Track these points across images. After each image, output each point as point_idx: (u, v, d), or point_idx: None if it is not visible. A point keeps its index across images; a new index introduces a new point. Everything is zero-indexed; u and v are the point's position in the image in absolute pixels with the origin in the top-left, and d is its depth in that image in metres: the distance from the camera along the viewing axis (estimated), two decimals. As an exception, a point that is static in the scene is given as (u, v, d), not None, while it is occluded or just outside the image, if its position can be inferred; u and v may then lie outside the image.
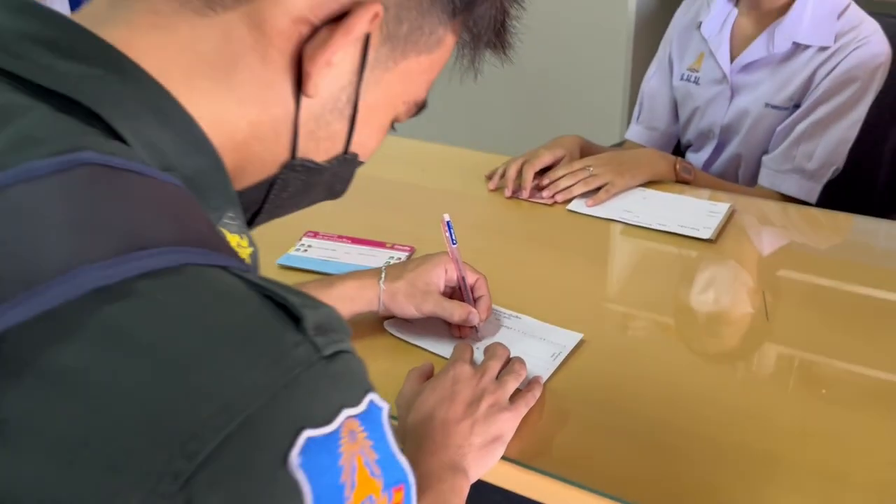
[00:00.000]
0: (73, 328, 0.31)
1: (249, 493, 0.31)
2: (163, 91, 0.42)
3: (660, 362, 0.86)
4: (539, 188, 1.21)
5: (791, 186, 1.26)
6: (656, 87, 1.48)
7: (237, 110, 0.44)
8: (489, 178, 1.26)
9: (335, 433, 0.33)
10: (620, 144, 1.61)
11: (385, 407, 0.37)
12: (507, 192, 1.22)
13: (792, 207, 1.23)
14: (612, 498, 0.68)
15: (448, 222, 0.85)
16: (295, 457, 0.32)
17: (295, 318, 0.34)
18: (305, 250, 1.07)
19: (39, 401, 0.30)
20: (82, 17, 0.43)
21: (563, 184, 1.20)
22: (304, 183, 0.51)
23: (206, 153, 0.44)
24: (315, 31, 0.43)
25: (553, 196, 1.20)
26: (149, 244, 0.34)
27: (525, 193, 1.21)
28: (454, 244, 0.85)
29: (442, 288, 0.87)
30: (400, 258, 1.05)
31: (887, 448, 0.72)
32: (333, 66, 0.44)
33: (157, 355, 0.31)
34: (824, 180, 1.26)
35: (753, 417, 0.76)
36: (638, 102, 1.52)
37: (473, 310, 0.85)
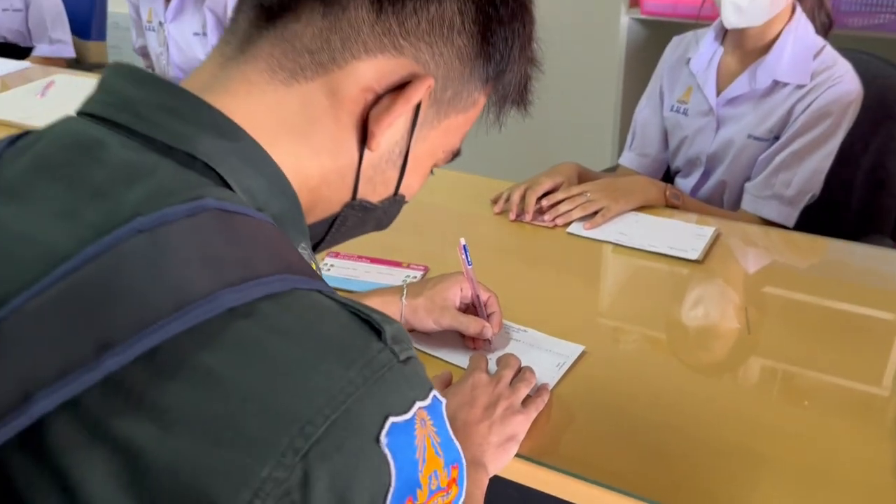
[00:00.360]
0: (214, 339, 0.41)
1: (350, 464, 0.40)
2: (257, 146, 0.52)
3: (654, 371, 0.96)
4: (540, 212, 1.31)
5: (771, 211, 1.37)
6: (648, 116, 1.58)
7: (312, 161, 0.55)
8: (495, 201, 1.36)
9: (411, 420, 0.43)
10: (614, 169, 1.72)
11: (444, 401, 0.47)
12: (512, 216, 1.32)
13: (773, 231, 1.34)
14: (612, 489, 0.77)
15: (464, 246, 0.95)
16: (383, 437, 0.41)
17: (377, 331, 0.44)
18: (329, 269, 1.17)
19: (192, 394, 0.40)
20: (191, 85, 0.53)
21: (562, 208, 1.30)
22: (360, 219, 0.61)
23: (289, 196, 0.54)
24: (378, 98, 0.54)
25: (553, 219, 1.30)
26: (264, 273, 0.44)
27: (528, 217, 1.31)
28: (469, 265, 0.95)
29: (458, 304, 0.97)
30: (415, 276, 1.15)
31: (862, 449, 0.82)
32: (392, 127, 0.54)
33: (279, 360, 0.41)
34: (801, 206, 1.37)
35: (740, 420, 0.86)
36: (631, 131, 1.63)
37: (487, 324, 0.95)
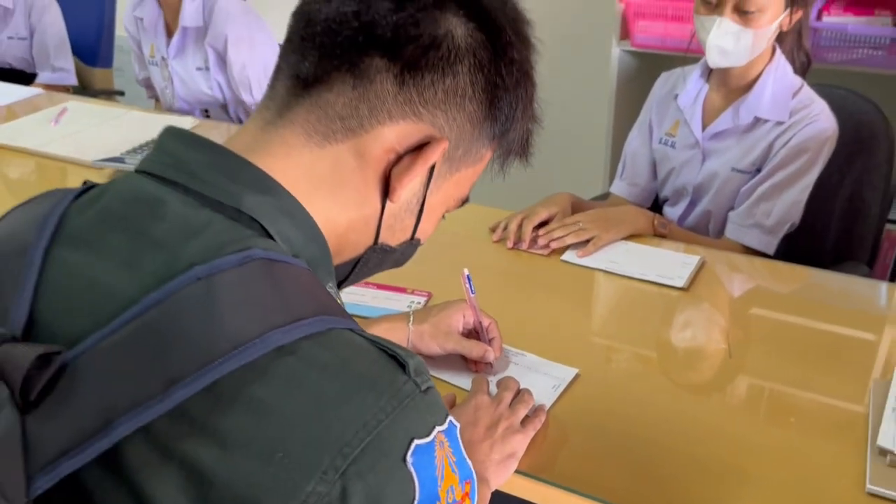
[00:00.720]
0: (265, 373, 0.48)
1: (382, 481, 0.48)
2: (294, 201, 0.59)
3: (644, 392, 1.04)
4: (536, 240, 1.39)
5: (752, 239, 1.46)
6: (638, 148, 1.67)
7: (341, 212, 0.62)
8: (493, 230, 1.44)
9: (432, 442, 0.51)
10: (605, 196, 1.80)
11: (458, 425, 0.54)
12: (509, 244, 1.39)
13: (756, 260, 1.42)
14: (605, 503, 0.85)
15: (468, 276, 1.02)
16: (409, 457, 0.49)
17: (401, 365, 0.52)
18: (337, 295, 1.24)
19: (247, 421, 0.47)
20: (235, 145, 0.61)
21: (556, 234, 1.38)
22: (380, 259, 0.69)
23: (320, 244, 0.61)
24: (400, 157, 0.61)
25: (548, 244, 1.38)
26: (305, 315, 0.51)
27: (525, 245, 1.39)
28: (472, 293, 1.02)
29: (461, 329, 1.04)
30: (419, 302, 1.22)
31: (839, 466, 0.89)
32: (411, 182, 0.62)
33: (320, 391, 0.48)
34: (781, 235, 1.45)
35: (726, 438, 0.94)
36: (621, 161, 1.71)
37: (489, 348, 1.02)
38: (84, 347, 0.49)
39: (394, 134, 0.60)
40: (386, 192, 0.62)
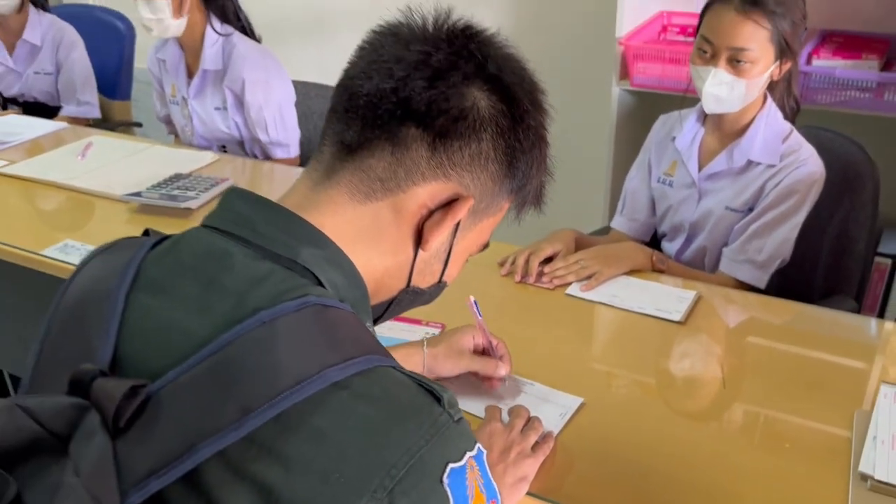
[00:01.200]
0: (322, 405, 0.56)
1: (422, 499, 0.56)
2: (340, 252, 0.68)
3: (645, 420, 1.12)
4: (542, 275, 1.48)
5: (744, 274, 1.54)
6: (637, 186, 1.76)
7: (379, 260, 0.71)
8: (501, 264, 1.52)
9: (464, 466, 0.59)
10: (606, 230, 1.89)
11: (485, 451, 0.63)
12: (517, 278, 1.48)
13: (749, 295, 1.51)
14: (609, 522, 0.93)
15: (474, 301, 1.10)
16: (445, 479, 0.57)
17: (437, 398, 0.60)
18: (357, 326, 1.32)
19: (308, 447, 0.55)
20: (289, 202, 0.70)
21: (559, 273, 1.47)
22: (412, 300, 0.78)
23: (360, 288, 0.70)
24: (431, 212, 0.70)
25: (552, 280, 1.46)
26: (354, 354, 0.60)
27: (531, 279, 1.47)
28: (480, 317, 1.11)
29: (472, 349, 1.13)
30: (433, 333, 1.31)
31: (825, 489, 0.97)
32: (441, 234, 0.71)
33: (369, 421, 0.57)
34: (771, 270, 1.54)
35: (722, 463, 1.02)
36: (622, 198, 1.80)
37: (500, 363, 1.11)
38: (165, 381, 0.58)
39: (426, 193, 0.69)
40: (418, 242, 0.71)
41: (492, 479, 0.63)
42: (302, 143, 2.28)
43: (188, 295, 0.64)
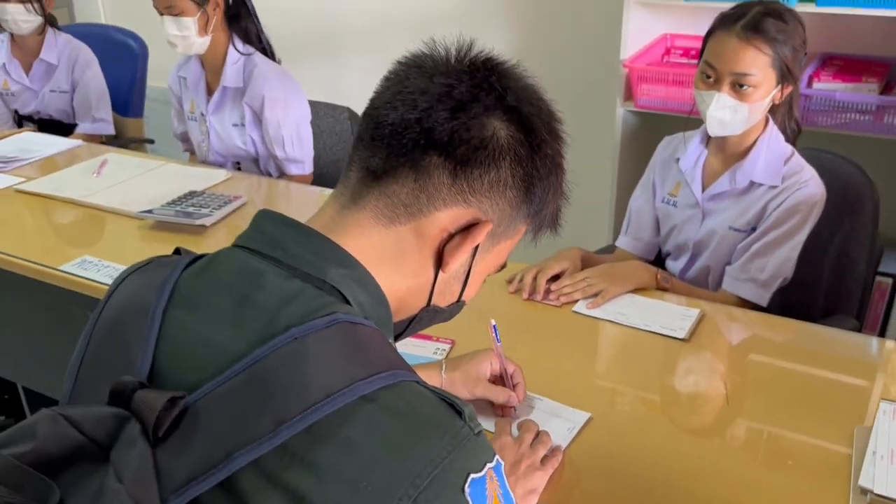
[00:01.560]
0: (351, 417, 0.60)
1: None
2: (365, 272, 0.72)
3: (650, 434, 1.15)
4: (549, 292, 1.52)
5: (747, 292, 1.58)
6: (642, 205, 1.80)
7: (402, 281, 0.75)
8: (510, 282, 1.56)
9: (484, 476, 0.62)
10: (611, 249, 1.92)
11: (503, 463, 0.66)
12: (525, 295, 1.52)
13: (752, 313, 1.54)
14: (616, 533, 0.96)
15: (494, 326, 1.14)
16: (466, 488, 0.60)
17: (458, 412, 0.63)
18: (369, 342, 1.36)
19: (337, 456, 0.58)
20: (317, 224, 0.74)
21: (566, 290, 1.51)
22: (431, 318, 0.81)
23: (384, 307, 0.74)
24: (451, 236, 0.74)
25: (559, 298, 1.50)
26: (381, 369, 0.63)
27: (539, 297, 1.51)
28: (499, 343, 1.14)
29: (488, 376, 1.16)
30: (444, 349, 1.34)
31: (826, 502, 1.00)
32: (461, 256, 0.75)
33: (395, 433, 0.60)
34: (773, 288, 1.57)
35: (726, 478, 1.05)
36: (626, 217, 1.84)
37: (513, 394, 1.14)
38: (202, 393, 0.61)
39: (447, 217, 0.73)
40: (439, 263, 0.75)
41: (509, 489, 0.66)
42: (313, 160, 2.33)
43: (223, 311, 0.67)
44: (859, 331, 1.74)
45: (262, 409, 0.59)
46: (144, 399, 0.61)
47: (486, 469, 0.62)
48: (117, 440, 0.60)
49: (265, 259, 0.70)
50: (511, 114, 0.73)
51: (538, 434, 1.09)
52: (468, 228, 0.74)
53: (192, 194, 1.96)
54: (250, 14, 2.21)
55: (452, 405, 0.64)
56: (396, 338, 0.81)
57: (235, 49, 2.18)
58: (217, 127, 2.25)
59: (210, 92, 2.25)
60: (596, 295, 1.49)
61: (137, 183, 2.08)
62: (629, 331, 1.42)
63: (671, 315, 1.45)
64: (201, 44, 2.13)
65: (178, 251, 0.81)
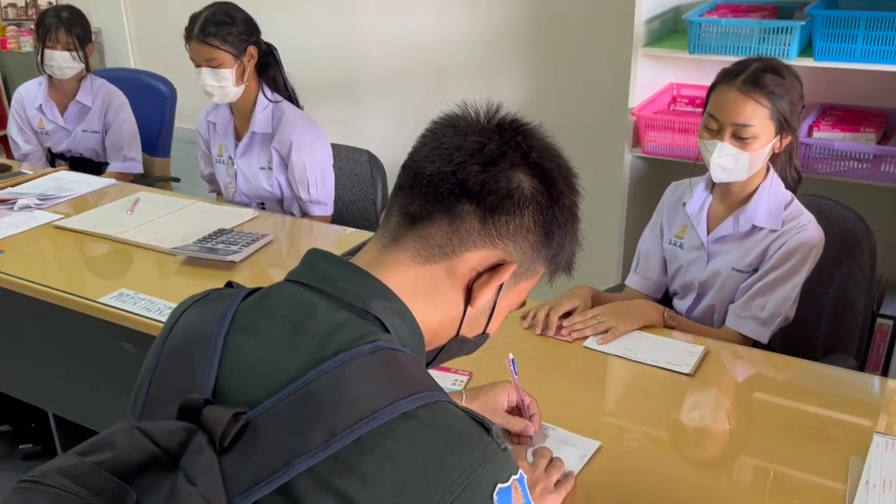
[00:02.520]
0: (394, 431, 0.68)
1: None
2: (403, 305, 0.81)
3: (657, 464, 1.23)
4: (561, 328, 1.60)
5: (748, 329, 1.66)
6: (650, 246, 1.89)
7: (434, 313, 0.83)
8: (524, 318, 1.65)
9: (510, 486, 0.70)
10: (620, 287, 2.01)
11: (525, 476, 0.74)
12: (538, 330, 1.60)
13: (756, 351, 1.61)
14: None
15: (512, 360, 1.22)
16: (495, 496, 0.69)
17: (486, 429, 0.72)
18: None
19: (382, 465, 0.67)
20: (361, 261, 0.83)
21: (577, 327, 1.59)
22: (459, 349, 0.90)
23: (419, 337, 0.82)
24: (479, 274, 0.83)
25: (570, 334, 1.58)
26: (419, 390, 0.72)
27: (551, 332, 1.59)
28: (516, 375, 1.22)
29: (506, 407, 1.24)
30: (462, 380, 1.42)
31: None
32: (488, 293, 0.83)
33: (432, 446, 0.68)
34: (773, 326, 1.65)
35: None
36: (636, 257, 1.93)
37: (529, 424, 1.22)
38: (262, 409, 0.70)
39: (476, 258, 0.82)
40: (468, 299, 0.84)
41: (531, 499, 0.74)
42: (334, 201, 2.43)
43: (278, 337, 0.76)
44: (860, 370, 1.81)
45: (316, 423, 0.68)
46: (212, 414, 0.69)
47: (511, 480, 0.70)
48: (186, 450, 0.68)
49: (315, 292, 0.79)
50: (534, 168, 0.82)
51: (552, 460, 1.16)
52: (495, 268, 0.83)
53: (221, 232, 2.06)
54: (277, 63, 2.34)
55: (482, 423, 0.72)
56: (427, 366, 0.90)
57: (265, 97, 2.31)
58: (244, 170, 2.36)
59: (238, 137, 2.37)
60: (606, 331, 1.58)
61: (169, 220, 2.19)
62: (637, 366, 1.50)
63: (677, 351, 1.53)
64: (236, 93, 2.25)
65: (230, 284, 0.90)
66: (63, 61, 2.75)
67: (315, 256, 0.84)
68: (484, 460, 0.69)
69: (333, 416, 0.68)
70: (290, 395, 0.70)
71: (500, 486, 0.69)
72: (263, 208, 2.39)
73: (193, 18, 2.20)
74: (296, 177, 2.30)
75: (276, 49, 2.34)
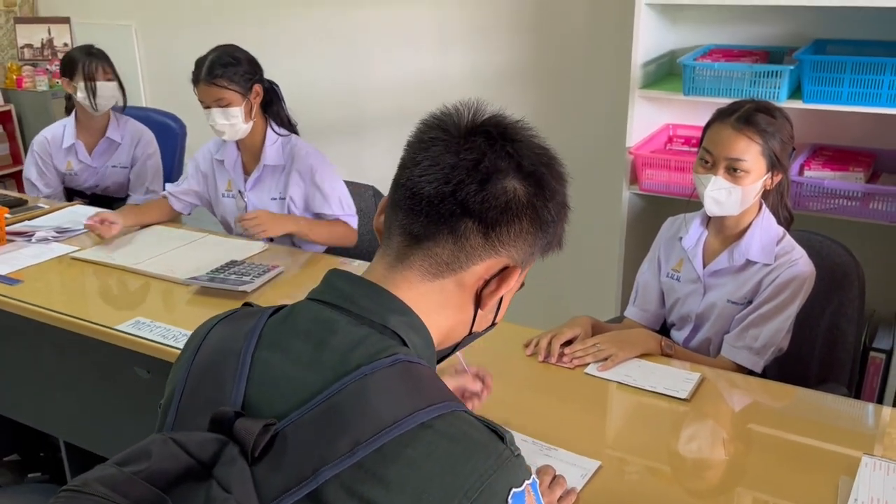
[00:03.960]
0: (413, 440, 0.73)
1: None
2: (417, 318, 0.86)
3: (655, 484, 1.28)
4: (563, 356, 1.66)
5: (742, 359, 1.72)
6: (648, 279, 1.95)
7: (446, 321, 0.89)
8: (527, 346, 1.71)
9: (523, 490, 0.76)
10: (620, 319, 2.07)
11: (537, 480, 0.79)
12: (540, 358, 1.66)
13: (751, 378, 1.67)
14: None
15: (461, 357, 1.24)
16: (509, 499, 0.74)
17: (500, 437, 0.77)
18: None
19: (403, 472, 0.71)
20: (372, 276, 0.88)
21: (578, 354, 1.65)
22: (470, 340, 0.95)
23: (431, 347, 0.88)
24: (487, 282, 0.88)
25: (572, 361, 1.65)
26: (436, 401, 0.77)
27: (553, 359, 1.65)
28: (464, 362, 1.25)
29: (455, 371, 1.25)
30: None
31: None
32: (496, 296, 0.90)
33: (449, 454, 0.73)
34: (766, 356, 1.71)
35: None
36: (634, 290, 2.00)
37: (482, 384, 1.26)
38: (289, 421, 0.75)
39: (482, 269, 0.87)
40: (477, 303, 0.90)
41: (543, 502, 0.80)
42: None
43: (303, 353, 0.81)
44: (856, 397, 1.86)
45: (341, 433, 0.73)
46: (243, 425, 0.74)
47: (525, 485, 0.76)
48: (219, 460, 0.73)
49: (336, 309, 0.84)
50: (527, 176, 0.86)
51: (555, 477, 1.21)
52: (500, 273, 0.88)
53: (233, 263, 2.13)
54: (280, 100, 2.45)
55: (495, 431, 0.77)
56: (442, 360, 0.95)
57: (274, 131, 2.41)
58: (255, 202, 2.44)
59: (247, 171, 2.47)
60: (606, 359, 1.64)
61: (182, 252, 2.26)
62: (636, 391, 1.55)
63: (674, 378, 1.59)
64: (245, 129, 2.34)
65: (248, 304, 0.95)
66: (110, 91, 2.85)
67: (334, 276, 0.89)
68: (498, 467, 0.74)
69: (357, 425, 0.73)
70: (315, 406, 0.75)
71: (514, 490, 0.74)
72: (272, 240, 2.46)
73: (200, 62, 2.30)
74: (326, 193, 2.40)
75: (277, 86, 2.44)
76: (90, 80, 2.80)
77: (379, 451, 0.71)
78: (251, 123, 2.35)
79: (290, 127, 2.46)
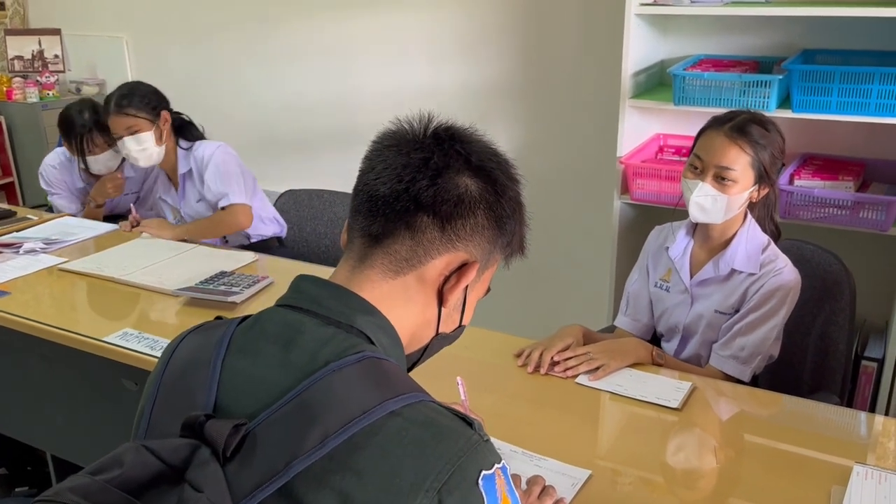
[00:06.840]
0: (383, 429, 0.74)
1: (463, 496, 0.73)
2: (383, 317, 0.87)
3: (645, 491, 1.27)
4: (554, 366, 1.65)
5: (730, 368, 1.72)
6: (638, 289, 1.95)
7: (411, 319, 0.90)
8: (518, 356, 1.70)
9: (493, 474, 0.76)
10: (611, 329, 2.07)
11: (507, 466, 0.79)
12: (530, 368, 1.65)
13: (739, 387, 1.67)
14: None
15: (460, 381, 1.25)
16: (480, 482, 0.74)
17: (468, 423, 0.77)
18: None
19: (373, 460, 0.72)
20: (336, 279, 0.89)
21: (570, 363, 1.65)
22: (440, 344, 0.96)
23: (399, 346, 0.89)
24: (447, 277, 0.89)
25: (564, 371, 1.64)
26: (405, 391, 0.77)
27: (544, 370, 1.65)
28: (464, 398, 1.25)
29: None
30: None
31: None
32: (458, 293, 0.90)
33: (419, 440, 0.73)
34: (753, 365, 1.71)
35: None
36: (624, 299, 1.99)
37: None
38: (259, 420, 0.76)
39: (442, 263, 0.88)
40: (440, 301, 0.90)
41: (514, 489, 0.79)
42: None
43: (271, 356, 0.82)
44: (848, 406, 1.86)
45: (310, 427, 0.73)
46: (214, 427, 0.75)
47: (494, 468, 0.76)
48: (191, 464, 0.73)
49: (303, 312, 0.85)
50: (477, 171, 0.88)
51: (545, 488, 1.21)
52: (460, 269, 0.89)
53: (222, 274, 2.12)
54: (192, 124, 2.64)
55: (464, 418, 0.78)
56: (412, 368, 0.95)
57: (181, 147, 2.59)
58: (188, 211, 2.66)
59: (175, 186, 2.68)
60: (597, 368, 1.63)
61: (171, 263, 2.25)
62: (627, 400, 1.55)
63: (665, 387, 1.58)
64: (159, 152, 2.53)
65: (219, 318, 0.95)
66: (101, 163, 2.78)
67: (301, 280, 0.90)
68: (468, 450, 0.74)
69: (326, 418, 0.74)
70: (284, 404, 0.76)
71: (484, 472, 0.75)
72: (226, 241, 2.58)
73: (107, 99, 2.48)
74: (208, 179, 2.54)
75: (187, 116, 2.64)
76: (81, 154, 2.75)
77: (349, 441, 0.72)
78: (163, 147, 2.52)
79: (199, 134, 2.64)
